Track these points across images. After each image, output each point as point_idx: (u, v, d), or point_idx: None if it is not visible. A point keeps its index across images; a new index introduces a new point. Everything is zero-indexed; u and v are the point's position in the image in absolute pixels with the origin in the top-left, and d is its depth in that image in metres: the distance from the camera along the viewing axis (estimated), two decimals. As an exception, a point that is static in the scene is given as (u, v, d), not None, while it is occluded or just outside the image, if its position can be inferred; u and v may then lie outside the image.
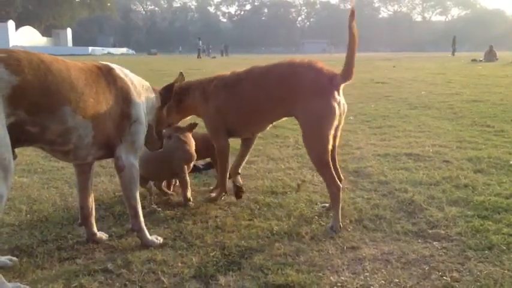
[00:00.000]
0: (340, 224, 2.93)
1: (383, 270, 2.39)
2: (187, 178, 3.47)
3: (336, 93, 2.94)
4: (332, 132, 2.94)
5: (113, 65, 2.59)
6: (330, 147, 2.96)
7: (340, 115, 2.97)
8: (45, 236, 2.79)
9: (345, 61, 2.93)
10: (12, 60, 2.01)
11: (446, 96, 10.14)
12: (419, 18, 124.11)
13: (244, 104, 3.23)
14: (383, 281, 2.27)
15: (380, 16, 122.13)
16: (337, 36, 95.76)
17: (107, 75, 2.48)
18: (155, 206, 3.32)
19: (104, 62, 2.58)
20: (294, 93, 3.01)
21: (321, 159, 2.98)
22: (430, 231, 2.87)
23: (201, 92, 3.38)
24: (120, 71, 2.58)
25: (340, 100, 2.97)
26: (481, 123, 6.62)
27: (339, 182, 3.01)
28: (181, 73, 3.40)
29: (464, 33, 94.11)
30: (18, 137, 2.04)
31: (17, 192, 3.58)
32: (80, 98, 2.24)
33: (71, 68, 2.27)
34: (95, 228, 2.76)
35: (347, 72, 2.94)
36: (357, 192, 3.61)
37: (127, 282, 2.26)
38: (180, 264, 2.46)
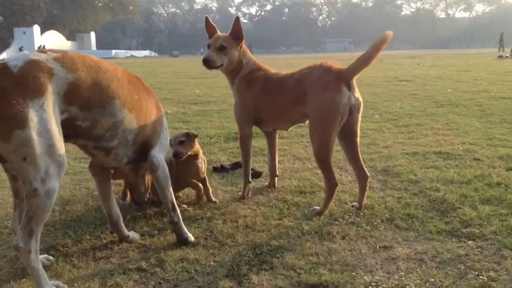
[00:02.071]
0: (324, 212, 3.14)
1: (418, 269, 2.35)
2: (200, 185, 3.47)
3: (343, 88, 3.04)
4: (336, 129, 3.06)
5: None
6: (332, 144, 3.12)
7: (351, 110, 3.06)
8: (80, 235, 2.84)
9: (359, 59, 3.06)
10: (67, 59, 2.15)
11: (473, 93, 9.95)
12: (442, 15, 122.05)
13: (272, 100, 3.39)
14: (418, 281, 2.24)
15: (402, 13, 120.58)
16: (358, 34, 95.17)
17: (140, 82, 2.65)
18: (185, 206, 3.35)
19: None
20: (305, 93, 3.16)
21: (319, 153, 3.16)
22: (464, 230, 2.82)
23: (248, 71, 3.49)
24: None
25: (351, 95, 3.05)
26: (510, 121, 6.48)
27: (336, 180, 3.20)
28: None
29: (489, 29, 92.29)
30: (68, 132, 2.14)
31: (50, 192, 3.65)
32: (127, 94, 2.40)
33: (116, 68, 2.45)
34: (126, 231, 2.79)
35: (356, 66, 3.08)
36: (386, 192, 3.58)
37: (161, 281, 2.29)
38: (212, 263, 2.48)
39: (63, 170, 2.07)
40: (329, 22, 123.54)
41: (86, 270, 2.39)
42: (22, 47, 51.67)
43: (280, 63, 23.49)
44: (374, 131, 5.96)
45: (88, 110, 2.20)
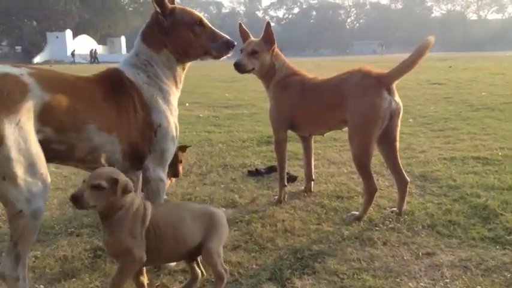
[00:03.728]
0: (363, 218, 3.12)
1: (463, 276, 2.33)
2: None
3: (384, 92, 3.03)
4: (376, 134, 3.05)
5: (122, 67, 2.45)
6: (372, 149, 3.11)
7: (391, 115, 3.06)
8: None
9: (401, 63, 3.06)
10: (43, 76, 2.03)
11: (508, 97, 9.73)
12: (474, 17, 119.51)
13: (309, 106, 3.40)
14: (465, 288, 2.22)
15: (432, 15, 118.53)
16: (387, 36, 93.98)
17: (119, 86, 2.35)
18: (223, 209, 3.38)
19: (114, 67, 2.47)
20: (343, 98, 3.16)
21: (359, 158, 3.16)
22: (508, 237, 2.78)
23: (283, 76, 3.52)
24: (130, 73, 2.40)
25: (391, 99, 3.05)
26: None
27: (376, 186, 3.19)
28: None
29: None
30: (47, 154, 1.99)
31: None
32: (104, 114, 2.20)
33: (91, 82, 2.28)
34: None
35: (397, 71, 3.07)
36: (426, 197, 3.54)
37: (206, 283, 2.32)
38: (254, 266, 2.50)
39: (48, 188, 1.94)
40: (357, 24, 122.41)
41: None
42: (74, 50, 52.93)
43: (308, 66, 23.43)
44: (409, 136, 5.89)
45: (63, 133, 2.06)
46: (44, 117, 1.96)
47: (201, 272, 2.27)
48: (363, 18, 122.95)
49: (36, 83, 1.96)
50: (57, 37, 60.78)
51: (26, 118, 1.88)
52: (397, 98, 3.10)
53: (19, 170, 1.82)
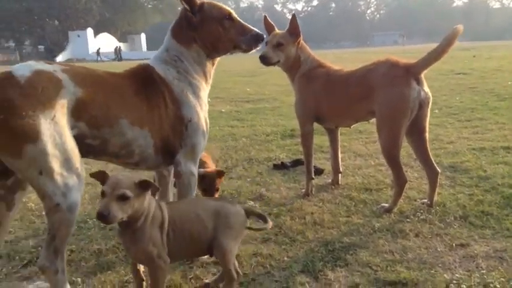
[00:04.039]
0: (393, 209, 3.10)
1: (499, 267, 2.29)
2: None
3: (413, 82, 3.00)
4: (405, 125, 3.02)
5: (152, 63, 2.47)
6: (401, 140, 3.08)
7: (421, 104, 3.02)
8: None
9: (430, 53, 3.02)
10: (76, 72, 2.07)
11: (537, 86, 9.50)
12: (497, 5, 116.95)
13: (335, 97, 3.39)
14: (502, 279, 2.18)
15: (454, 5, 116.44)
16: (408, 27, 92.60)
17: (149, 82, 2.38)
18: (252, 202, 3.39)
19: (145, 63, 2.50)
20: (371, 89, 3.13)
21: (388, 150, 3.13)
22: (543, 228, 2.72)
23: (308, 68, 3.50)
24: (161, 69, 2.43)
25: (420, 89, 3.02)
26: None
27: (405, 177, 3.16)
28: None
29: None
30: (82, 149, 2.01)
31: (121, 189, 3.80)
32: (135, 109, 2.23)
33: (123, 78, 2.32)
34: None
35: (426, 61, 3.03)
36: (456, 188, 3.49)
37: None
38: (286, 258, 2.51)
39: (83, 182, 1.97)
40: (377, 15, 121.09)
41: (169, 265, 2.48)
42: (99, 48, 53.57)
43: (329, 59, 23.20)
44: (436, 126, 5.81)
45: (96, 128, 2.08)
46: (77, 112, 1.99)
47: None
48: (383, 9, 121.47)
49: (69, 79, 1.99)
50: (78, 36, 61.60)
51: (61, 114, 1.91)
52: (426, 88, 3.06)
53: (55, 165, 1.85)
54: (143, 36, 71.41)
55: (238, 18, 2.54)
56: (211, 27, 2.45)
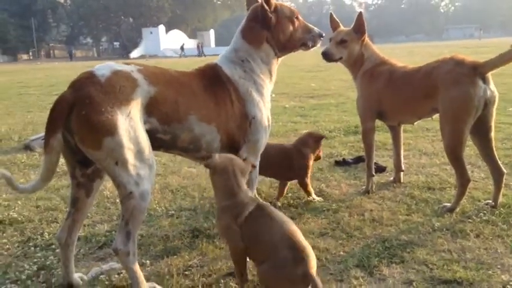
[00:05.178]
0: (455, 209, 3.06)
1: None
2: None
3: (478, 80, 2.94)
4: (469, 123, 2.97)
5: (220, 62, 2.61)
6: (465, 139, 3.03)
7: (486, 103, 2.97)
8: (217, 220, 3.09)
9: (500, 56, 2.93)
10: (150, 72, 2.24)
11: None
12: None
13: (398, 94, 3.39)
14: None
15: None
16: (486, 19, 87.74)
17: (217, 80, 2.51)
18: (313, 197, 3.45)
19: (214, 62, 2.63)
20: (435, 87, 3.10)
21: (452, 149, 3.09)
22: None
23: (372, 65, 3.53)
24: (227, 68, 2.57)
25: (486, 87, 2.95)
26: None
27: (469, 176, 3.10)
28: None
29: None
30: (153, 143, 2.19)
31: (189, 181, 4.03)
32: (203, 106, 2.38)
33: (193, 76, 2.48)
34: None
35: (494, 63, 2.96)
36: (525, 190, 3.37)
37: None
38: (342, 253, 2.57)
39: (154, 172, 2.15)
40: (452, 8, 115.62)
41: (227, 251, 2.61)
42: (183, 44, 55.67)
43: (398, 53, 22.60)
44: (508, 125, 5.58)
45: (167, 124, 2.25)
46: (150, 109, 2.17)
47: None
48: (458, 1, 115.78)
49: (144, 78, 2.17)
50: (151, 32, 64.03)
51: (136, 110, 2.09)
52: (492, 86, 2.99)
53: (130, 156, 2.03)
54: (212, 32, 72.92)
55: (302, 18, 2.70)
56: (285, 26, 2.64)
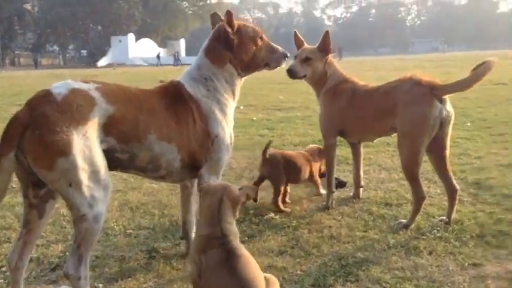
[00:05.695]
0: (410, 226, 3.13)
1: (508, 289, 2.30)
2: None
3: (435, 100, 3.04)
4: (426, 142, 3.06)
5: (183, 80, 2.60)
6: (421, 157, 3.12)
7: (442, 123, 3.06)
8: (177, 239, 3.06)
9: (457, 83, 3.05)
10: (109, 90, 2.21)
11: None
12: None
13: (359, 113, 3.46)
14: (509, 302, 2.20)
15: (499, 11, 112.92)
16: (450, 33, 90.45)
17: (179, 98, 2.50)
18: (272, 215, 3.47)
19: (176, 80, 2.62)
20: (394, 106, 3.19)
21: (408, 166, 3.18)
22: (560, 251, 2.70)
23: (334, 83, 3.59)
24: (190, 86, 2.56)
25: (442, 107, 3.05)
26: None
27: (424, 193, 3.20)
28: None
29: None
30: (110, 163, 2.16)
31: (149, 197, 3.98)
32: (164, 124, 2.35)
33: (154, 94, 2.46)
34: None
35: (451, 88, 3.07)
36: (477, 206, 3.48)
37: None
38: (299, 272, 2.59)
39: (109, 194, 2.12)
40: (418, 22, 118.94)
41: (185, 272, 2.60)
42: (159, 53, 55.29)
43: (366, 66, 22.95)
44: (465, 140, 5.75)
45: (125, 143, 2.22)
46: (108, 128, 2.14)
47: None
48: (424, 15, 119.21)
49: (101, 96, 2.14)
50: (120, 41, 63.30)
51: (92, 129, 2.06)
52: (448, 106, 3.08)
53: (84, 177, 1.99)
54: (182, 41, 72.62)
55: (266, 38, 2.72)
56: (247, 47, 2.63)
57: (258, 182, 3.73)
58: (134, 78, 23.01)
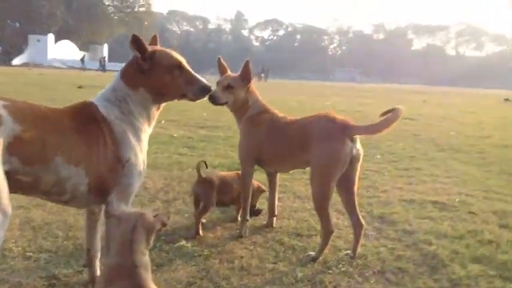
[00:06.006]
0: (318, 259, 3.23)
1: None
2: None
3: (347, 139, 3.19)
4: (336, 177, 3.20)
5: (97, 101, 2.51)
6: (331, 192, 3.24)
7: (352, 160, 3.22)
8: (80, 265, 2.91)
9: (368, 127, 3.27)
10: (16, 108, 2.09)
11: (477, 139, 10.08)
12: (453, 53, 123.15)
13: (275, 144, 3.54)
14: None
15: (413, 48, 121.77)
16: (368, 65, 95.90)
17: (93, 115, 2.43)
18: (184, 242, 3.43)
19: (90, 100, 2.52)
20: (308, 140, 3.31)
21: (318, 200, 3.30)
22: (451, 289, 2.91)
23: (255, 112, 3.66)
24: (104, 107, 2.47)
25: (353, 146, 3.21)
26: (510, 172, 6.56)
27: (332, 227, 3.32)
28: None
29: (499, 69, 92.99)
30: (11, 185, 2.03)
31: (54, 216, 3.76)
32: (73, 147, 2.26)
33: (66, 114, 2.35)
34: (97, 272, 2.71)
35: (362, 130, 3.27)
36: (381, 241, 3.67)
37: None
38: (206, 305, 2.57)
39: (8, 219, 1.98)
40: (339, 51, 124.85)
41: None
42: (84, 56, 52.71)
43: (288, 90, 23.55)
44: (374, 173, 6.07)
45: (30, 165, 2.10)
46: (12, 148, 2.01)
47: None
48: (345, 46, 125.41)
49: (8, 115, 2.02)
50: (38, 40, 60.29)
51: None
52: (358, 145, 3.25)
53: None
54: (106, 46, 70.48)
55: (189, 68, 2.62)
56: (159, 75, 2.52)
57: (196, 203, 3.76)
58: (51, 80, 21.89)
